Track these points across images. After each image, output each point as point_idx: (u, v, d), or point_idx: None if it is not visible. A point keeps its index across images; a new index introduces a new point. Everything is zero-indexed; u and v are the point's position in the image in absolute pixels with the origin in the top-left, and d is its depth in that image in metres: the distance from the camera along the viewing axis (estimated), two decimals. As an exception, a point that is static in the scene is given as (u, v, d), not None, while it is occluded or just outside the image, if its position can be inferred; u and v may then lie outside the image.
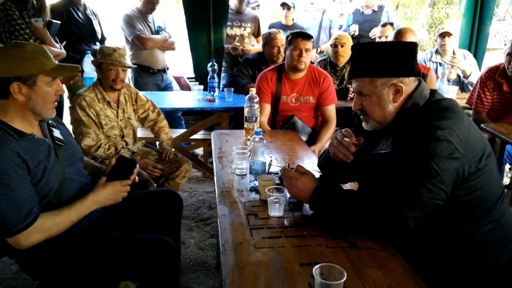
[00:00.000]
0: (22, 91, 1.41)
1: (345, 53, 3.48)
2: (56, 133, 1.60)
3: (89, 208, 1.53)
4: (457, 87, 3.68)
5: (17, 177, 1.36)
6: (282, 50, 3.44)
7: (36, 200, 1.42)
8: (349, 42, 3.54)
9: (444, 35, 3.76)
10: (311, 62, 3.03)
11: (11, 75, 1.39)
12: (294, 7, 4.46)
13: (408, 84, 1.34)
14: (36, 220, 1.39)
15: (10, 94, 1.41)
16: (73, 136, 1.76)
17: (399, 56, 1.32)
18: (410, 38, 3.19)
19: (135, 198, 1.87)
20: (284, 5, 4.43)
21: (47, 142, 1.52)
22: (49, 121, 1.60)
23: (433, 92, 1.37)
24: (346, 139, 1.47)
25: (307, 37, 2.74)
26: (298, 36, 2.74)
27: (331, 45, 3.59)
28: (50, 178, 1.48)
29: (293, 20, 4.47)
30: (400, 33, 3.25)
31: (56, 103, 1.54)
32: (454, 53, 3.78)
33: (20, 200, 1.36)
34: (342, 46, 3.48)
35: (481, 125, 2.74)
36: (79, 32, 3.55)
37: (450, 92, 3.49)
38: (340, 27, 4.79)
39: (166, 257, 1.55)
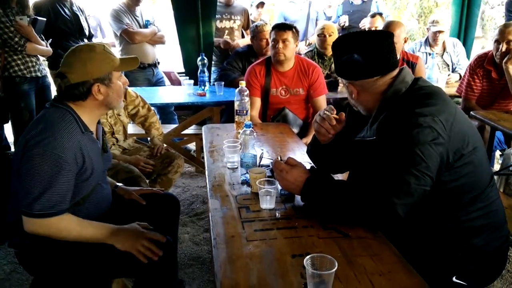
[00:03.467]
0: (101, 90, 1.50)
1: None
2: (105, 139, 1.68)
3: (103, 233, 1.48)
4: (446, 75, 3.70)
5: (70, 167, 1.42)
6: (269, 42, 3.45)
7: (69, 199, 1.44)
8: (336, 32, 3.61)
9: (438, 31, 3.75)
10: (298, 53, 3.02)
11: (91, 77, 1.48)
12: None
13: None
14: (56, 216, 1.40)
15: (89, 96, 1.50)
16: None
17: (371, 58, 1.32)
18: (398, 31, 3.15)
19: (134, 201, 1.86)
20: (260, 4, 4.53)
21: (98, 144, 1.61)
22: (103, 127, 1.68)
23: (417, 79, 1.37)
24: (327, 113, 1.51)
25: (283, 27, 2.75)
26: (274, 27, 2.80)
27: (318, 35, 3.63)
28: (94, 179, 1.55)
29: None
30: (388, 27, 3.19)
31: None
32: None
33: (59, 189, 1.39)
34: (330, 36, 3.55)
35: (471, 112, 2.76)
36: (66, 29, 3.50)
37: (440, 81, 3.51)
38: (329, 18, 4.78)
39: (164, 253, 1.54)
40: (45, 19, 3.24)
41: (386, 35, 1.34)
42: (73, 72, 1.47)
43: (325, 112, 1.52)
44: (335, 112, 1.52)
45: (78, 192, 1.52)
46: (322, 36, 3.58)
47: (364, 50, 1.32)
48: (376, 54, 1.31)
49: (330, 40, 3.53)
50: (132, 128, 3.32)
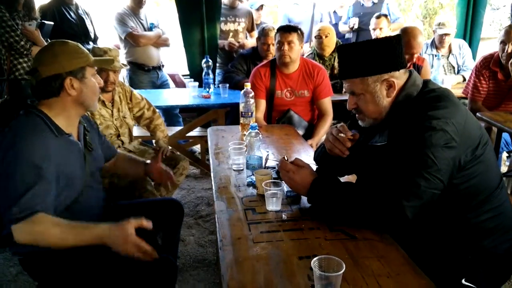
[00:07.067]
0: (74, 85, 1.45)
1: (330, 43, 3.62)
2: (89, 137, 1.62)
3: (91, 236, 1.36)
4: (452, 76, 3.68)
5: (46, 167, 1.36)
6: (271, 48, 3.45)
7: (49, 202, 1.37)
8: (333, 32, 3.67)
9: (444, 34, 3.73)
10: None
11: (63, 70, 1.43)
12: None
13: (399, 77, 1.33)
14: (33, 215, 1.31)
15: (62, 91, 1.44)
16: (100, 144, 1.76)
17: (386, 51, 1.31)
18: (421, 38, 3.08)
19: (137, 206, 1.85)
20: (260, 6, 4.51)
21: (79, 145, 1.55)
22: (85, 125, 1.62)
23: (426, 81, 1.37)
24: (342, 134, 1.46)
25: (288, 29, 2.75)
26: (279, 30, 2.80)
27: (315, 37, 3.70)
28: (75, 183, 1.49)
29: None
30: (408, 32, 3.04)
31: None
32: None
33: (37, 191, 1.33)
34: (326, 37, 3.60)
35: (477, 114, 2.74)
36: (72, 32, 3.52)
37: (445, 82, 3.49)
38: (340, 19, 4.77)
39: (166, 275, 1.53)
40: (52, 23, 3.27)
41: (395, 37, 1.34)
42: (44, 65, 1.41)
43: (340, 134, 1.46)
44: (349, 133, 1.46)
45: (66, 198, 1.46)
46: (319, 37, 3.63)
47: (376, 46, 1.31)
48: (387, 49, 1.30)
49: (327, 41, 3.60)
50: (137, 131, 3.33)
